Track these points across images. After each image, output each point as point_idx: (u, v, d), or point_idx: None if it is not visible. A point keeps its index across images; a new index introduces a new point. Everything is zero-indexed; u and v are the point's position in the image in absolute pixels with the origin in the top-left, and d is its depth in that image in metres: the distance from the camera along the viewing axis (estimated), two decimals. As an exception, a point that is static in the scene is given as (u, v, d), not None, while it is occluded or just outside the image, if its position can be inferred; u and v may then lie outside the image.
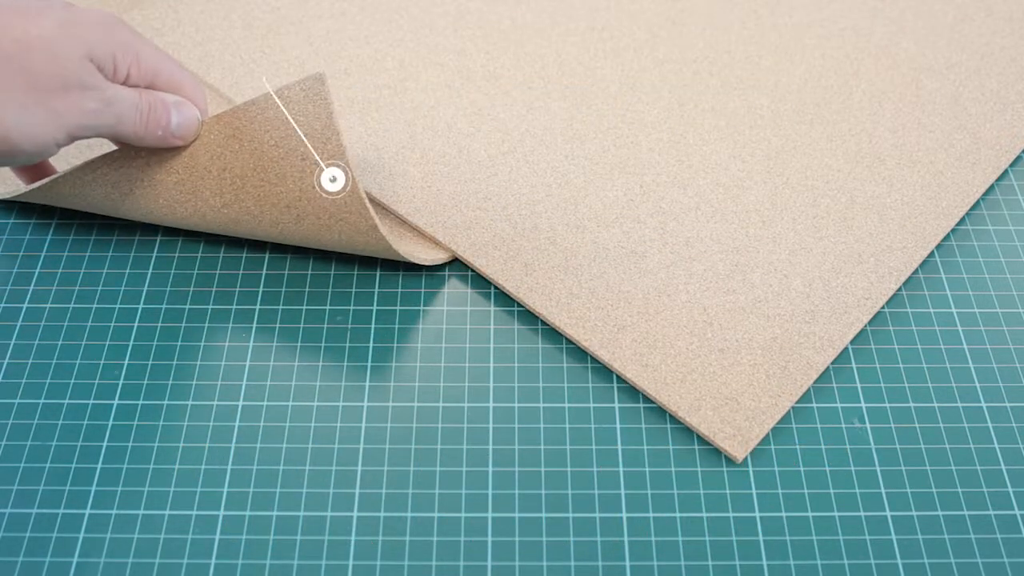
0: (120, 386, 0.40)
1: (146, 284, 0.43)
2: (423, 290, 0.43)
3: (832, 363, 0.41)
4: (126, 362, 0.40)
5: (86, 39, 0.37)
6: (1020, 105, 0.50)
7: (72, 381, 0.40)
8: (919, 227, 0.45)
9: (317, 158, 0.38)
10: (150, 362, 0.40)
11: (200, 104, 0.40)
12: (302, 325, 0.42)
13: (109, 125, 0.38)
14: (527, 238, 0.43)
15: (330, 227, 0.40)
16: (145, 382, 0.40)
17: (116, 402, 0.39)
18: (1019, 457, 0.38)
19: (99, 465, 0.38)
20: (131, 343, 0.41)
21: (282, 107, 0.39)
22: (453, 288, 0.43)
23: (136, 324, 0.42)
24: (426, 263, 0.43)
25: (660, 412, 0.39)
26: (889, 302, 0.43)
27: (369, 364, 0.40)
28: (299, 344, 0.41)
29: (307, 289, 0.43)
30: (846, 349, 0.41)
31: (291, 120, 0.39)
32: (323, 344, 0.41)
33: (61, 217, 0.45)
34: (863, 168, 0.47)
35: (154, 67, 0.39)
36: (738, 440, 0.38)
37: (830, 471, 0.38)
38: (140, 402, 0.39)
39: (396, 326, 0.42)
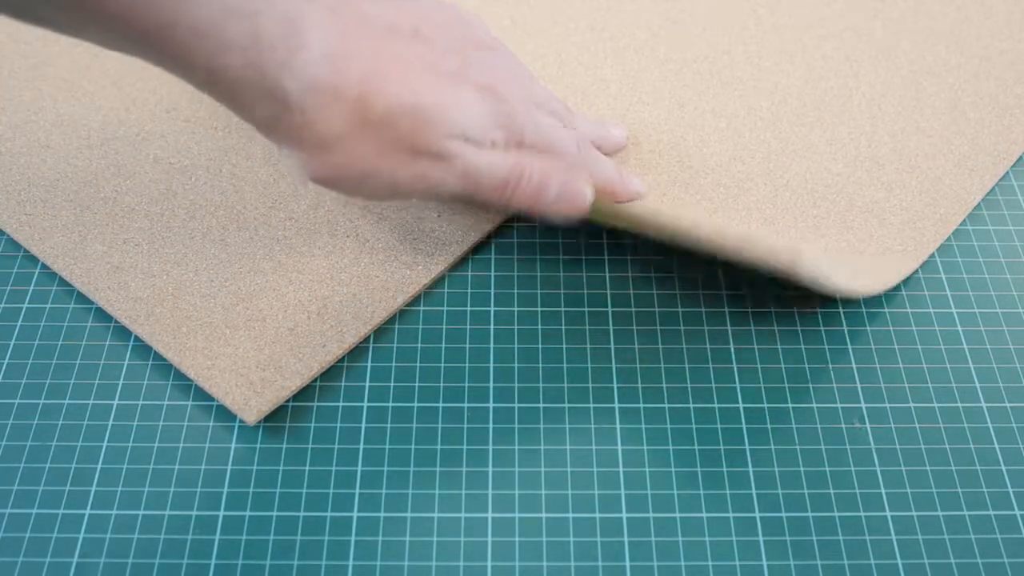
0: (120, 386, 0.40)
1: (146, 284, 0.43)
2: (423, 290, 0.43)
3: (832, 363, 0.41)
4: (126, 362, 0.40)
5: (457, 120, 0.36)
6: (1018, 110, 0.50)
7: (72, 381, 0.40)
8: (917, 232, 0.44)
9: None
10: (150, 362, 0.40)
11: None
12: (302, 325, 0.42)
13: (454, 192, 0.38)
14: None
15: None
16: (145, 382, 0.40)
17: (116, 402, 0.39)
18: (1019, 457, 0.38)
19: (99, 465, 0.38)
20: (131, 343, 0.41)
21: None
22: (453, 288, 0.43)
23: (136, 324, 0.42)
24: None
25: (660, 413, 0.39)
26: (889, 302, 0.43)
27: (369, 364, 0.40)
28: (299, 344, 0.41)
29: (307, 289, 0.43)
30: (846, 349, 0.41)
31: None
32: (323, 344, 0.41)
33: (61, 217, 0.45)
34: (862, 172, 0.47)
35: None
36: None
37: (830, 471, 0.38)
38: (140, 402, 0.39)
39: (396, 326, 0.42)
